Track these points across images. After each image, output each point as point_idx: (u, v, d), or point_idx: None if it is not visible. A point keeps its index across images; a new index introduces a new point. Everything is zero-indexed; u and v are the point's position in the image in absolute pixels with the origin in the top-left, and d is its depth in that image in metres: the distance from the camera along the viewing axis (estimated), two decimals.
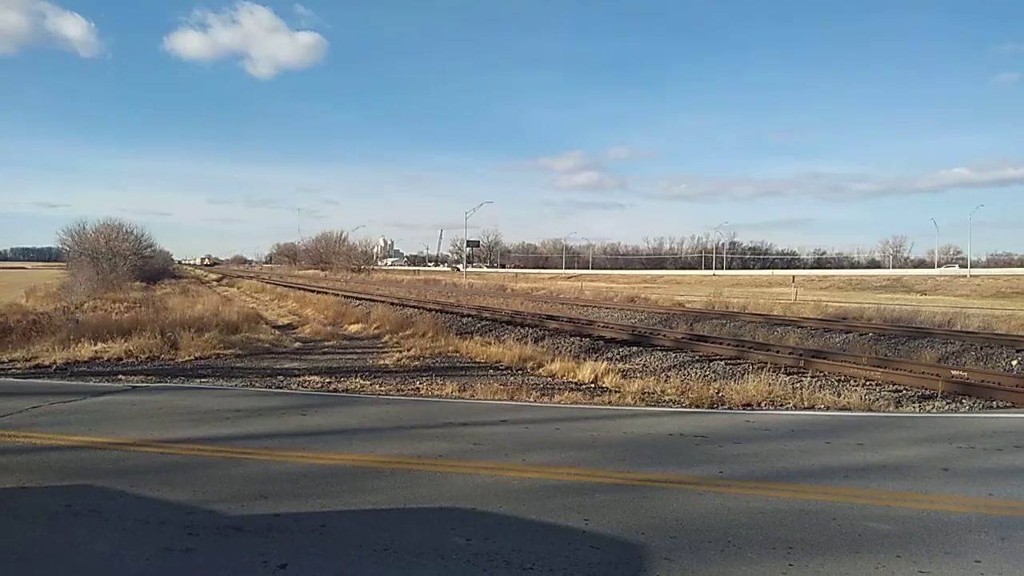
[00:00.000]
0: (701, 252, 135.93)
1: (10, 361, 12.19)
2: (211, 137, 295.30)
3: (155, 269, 60.75)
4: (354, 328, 19.55)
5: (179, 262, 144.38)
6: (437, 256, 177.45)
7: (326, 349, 15.30)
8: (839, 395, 9.41)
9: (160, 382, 10.28)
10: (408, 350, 14.32)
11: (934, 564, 3.68)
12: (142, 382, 10.20)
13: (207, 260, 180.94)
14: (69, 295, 30.71)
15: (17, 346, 13.28)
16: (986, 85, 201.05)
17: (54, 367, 11.81)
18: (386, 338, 17.04)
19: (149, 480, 5.08)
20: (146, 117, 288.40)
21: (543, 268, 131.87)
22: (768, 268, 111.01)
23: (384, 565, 3.63)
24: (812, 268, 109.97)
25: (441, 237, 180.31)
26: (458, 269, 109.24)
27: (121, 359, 12.74)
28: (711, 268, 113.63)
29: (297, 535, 4.04)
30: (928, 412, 8.89)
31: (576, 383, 10.85)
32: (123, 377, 10.64)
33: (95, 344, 13.41)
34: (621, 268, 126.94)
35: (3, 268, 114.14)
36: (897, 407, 9.22)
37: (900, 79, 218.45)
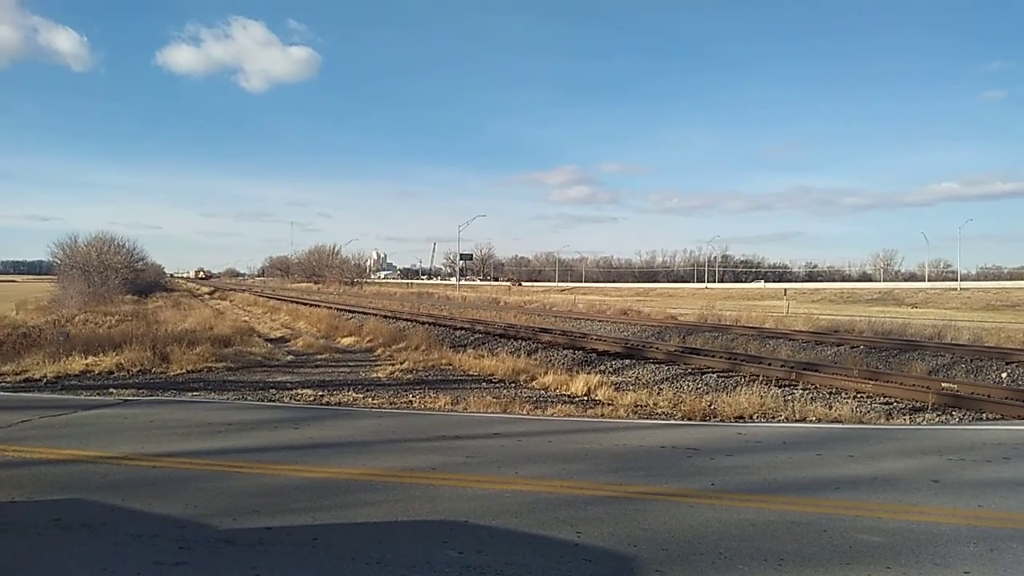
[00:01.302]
0: (693, 265, 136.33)
1: (0, 375, 12.11)
2: (203, 151, 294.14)
3: (147, 282, 60.63)
4: (347, 341, 19.52)
5: (171, 275, 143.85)
6: (431, 269, 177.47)
7: (319, 362, 15.27)
8: (830, 407, 9.44)
9: (151, 396, 10.24)
10: (401, 363, 14.30)
11: None
12: (133, 396, 10.16)
13: (201, 273, 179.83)
14: (60, 308, 30.56)
15: (7, 359, 13.20)
16: (975, 102, 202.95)
17: (44, 381, 11.75)
18: (379, 351, 17.02)
19: (140, 494, 5.06)
20: (139, 131, 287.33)
21: (536, 281, 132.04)
22: (760, 281, 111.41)
23: None
24: (804, 281, 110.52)
25: (435, 250, 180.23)
26: (520, 284, 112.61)
27: (112, 373, 12.69)
28: (703, 281, 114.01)
29: (289, 548, 4.03)
30: (918, 424, 8.95)
31: (569, 396, 10.86)
32: (114, 391, 10.59)
33: (86, 358, 13.35)
34: (614, 281, 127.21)
35: None
36: (888, 419, 9.27)
37: (890, 95, 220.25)
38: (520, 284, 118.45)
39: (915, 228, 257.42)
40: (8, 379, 11.84)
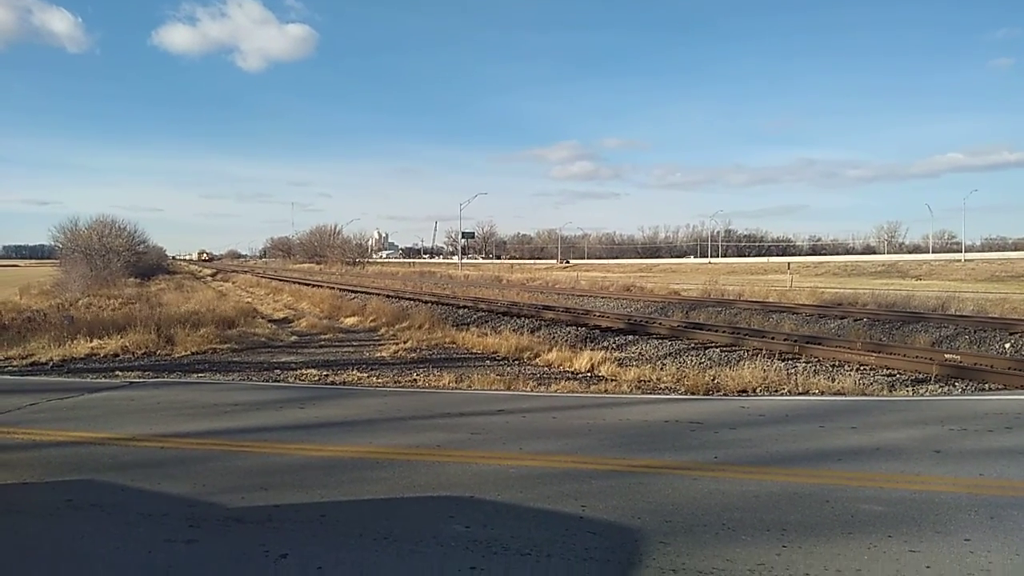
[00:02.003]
0: (696, 240, 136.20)
1: (6, 359, 12.19)
2: (202, 132, 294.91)
3: (149, 265, 60.66)
4: (350, 321, 19.56)
5: (173, 257, 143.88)
6: (432, 248, 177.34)
7: (322, 342, 15.32)
8: (833, 380, 9.48)
9: (157, 377, 10.30)
10: (404, 342, 14.34)
11: (924, 543, 3.74)
12: (139, 378, 10.22)
13: (205, 255, 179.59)
14: (63, 292, 30.60)
15: (13, 344, 13.27)
16: (981, 70, 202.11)
17: (51, 364, 11.81)
18: (382, 331, 17.06)
19: (149, 474, 5.12)
20: (136, 112, 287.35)
21: (538, 259, 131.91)
22: (763, 255, 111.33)
23: (383, 553, 3.68)
24: (807, 255, 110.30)
25: (436, 229, 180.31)
26: (568, 261, 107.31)
27: (117, 355, 12.75)
28: (706, 256, 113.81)
29: (297, 525, 4.08)
30: (921, 395, 8.98)
31: (573, 372, 10.91)
32: (120, 373, 10.66)
33: (91, 340, 13.40)
34: (616, 257, 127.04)
35: None
36: (891, 391, 9.30)
37: (895, 67, 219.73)
38: (568, 262, 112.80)
39: (919, 200, 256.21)
40: (15, 363, 11.91)
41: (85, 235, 42.62)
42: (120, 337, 13.59)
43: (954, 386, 9.60)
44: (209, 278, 62.06)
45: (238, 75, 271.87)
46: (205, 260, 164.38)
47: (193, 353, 13.06)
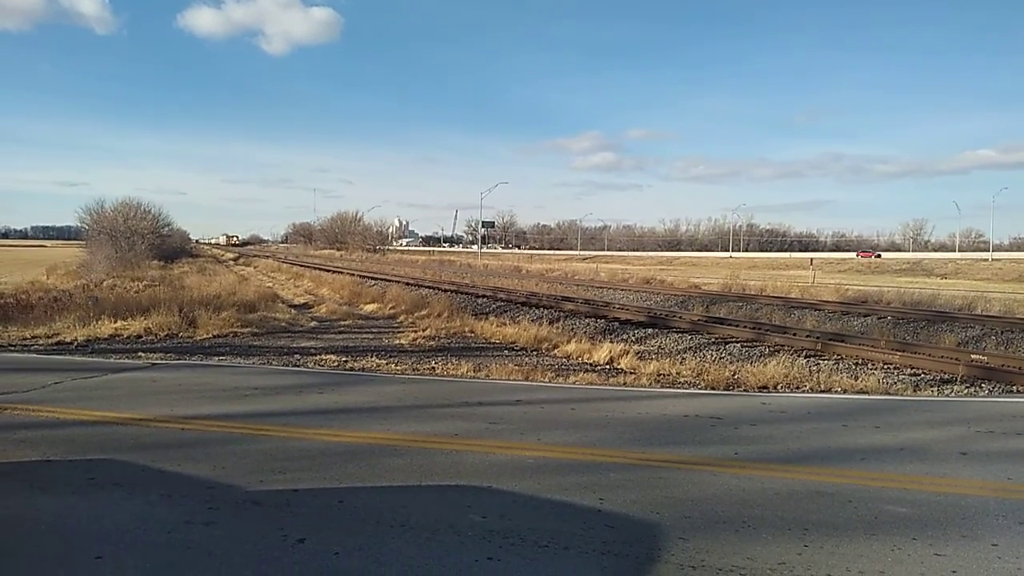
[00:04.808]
0: (718, 234, 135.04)
1: (33, 337, 12.38)
2: (226, 116, 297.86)
3: (172, 248, 61.22)
4: (370, 308, 19.64)
5: (196, 241, 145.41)
6: (452, 237, 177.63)
7: (342, 328, 15.40)
8: (857, 378, 9.33)
9: (179, 359, 10.42)
10: (423, 330, 14.36)
11: (950, 547, 3.66)
12: (161, 359, 10.34)
13: (235, 239, 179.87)
14: (88, 273, 31.06)
15: (40, 323, 13.47)
16: (1016, 66, 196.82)
17: (75, 344, 11.98)
18: (401, 318, 17.10)
19: (170, 455, 5.17)
20: (162, 95, 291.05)
21: (558, 249, 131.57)
22: (786, 251, 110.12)
23: (401, 541, 3.67)
24: (831, 251, 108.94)
25: (456, 218, 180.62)
26: (878, 255, 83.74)
27: (140, 336, 12.90)
28: (728, 250, 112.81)
29: (315, 510, 4.09)
30: (947, 396, 8.82)
31: (591, 364, 10.85)
32: (143, 354, 10.78)
33: (115, 321, 13.57)
34: (636, 250, 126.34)
35: (24, 246, 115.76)
36: (915, 391, 9.14)
37: (927, 63, 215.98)
38: (878, 255, 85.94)
39: (947, 197, 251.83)
40: (40, 342, 12.10)
41: (111, 217, 43.07)
42: (143, 319, 13.75)
43: (981, 387, 9.42)
44: (231, 262, 62.67)
45: (262, 59, 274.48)
46: (235, 244, 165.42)
47: (215, 336, 13.19)
